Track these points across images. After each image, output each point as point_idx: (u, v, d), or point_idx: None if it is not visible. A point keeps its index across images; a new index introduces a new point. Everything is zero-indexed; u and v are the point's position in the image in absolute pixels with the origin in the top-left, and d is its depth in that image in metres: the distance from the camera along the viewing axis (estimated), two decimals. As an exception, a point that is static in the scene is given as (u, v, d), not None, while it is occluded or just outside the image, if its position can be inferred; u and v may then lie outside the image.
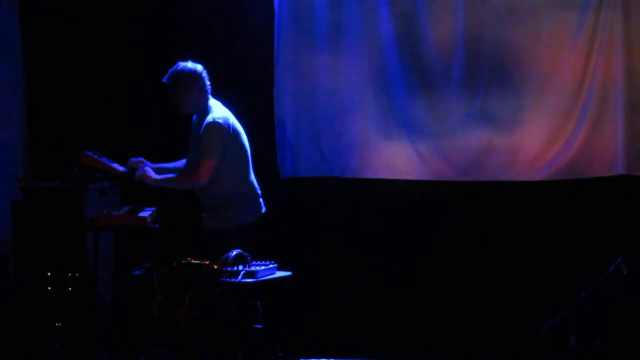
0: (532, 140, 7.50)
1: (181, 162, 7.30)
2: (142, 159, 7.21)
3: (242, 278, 6.39)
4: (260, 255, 6.67)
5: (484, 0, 7.52)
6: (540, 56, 7.44)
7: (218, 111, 7.08)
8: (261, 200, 7.19)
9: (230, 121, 7.06)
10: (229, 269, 6.43)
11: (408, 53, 7.67)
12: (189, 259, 6.57)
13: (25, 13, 8.11)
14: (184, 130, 7.28)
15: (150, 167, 7.20)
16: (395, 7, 7.68)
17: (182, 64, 7.11)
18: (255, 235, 7.03)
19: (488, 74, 7.54)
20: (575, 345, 6.27)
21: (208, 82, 7.14)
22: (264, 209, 7.18)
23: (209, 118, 7.03)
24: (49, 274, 7.23)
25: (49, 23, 8.14)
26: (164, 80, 7.11)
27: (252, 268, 6.49)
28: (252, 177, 7.18)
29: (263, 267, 6.55)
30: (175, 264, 6.57)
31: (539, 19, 7.43)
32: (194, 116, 7.20)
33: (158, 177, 7.07)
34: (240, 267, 6.46)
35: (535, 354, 7.08)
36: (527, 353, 7.26)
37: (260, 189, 7.20)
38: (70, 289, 7.23)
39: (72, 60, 8.13)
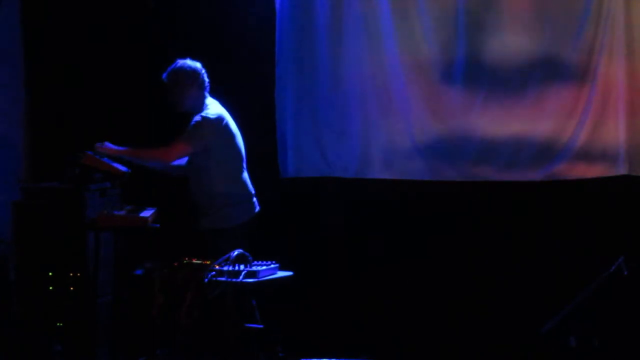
0: (532, 141, 7.50)
1: (182, 161, 7.31)
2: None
3: (244, 278, 6.40)
4: (262, 255, 6.68)
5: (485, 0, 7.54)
6: (541, 56, 7.44)
7: (212, 109, 7.11)
8: (255, 199, 7.20)
9: (225, 120, 7.09)
10: (230, 268, 6.43)
11: (409, 52, 7.68)
12: (189, 259, 6.58)
13: (26, 13, 8.10)
14: (184, 130, 7.27)
15: None
16: (397, 4, 7.67)
17: (181, 62, 7.15)
18: (252, 234, 7.04)
19: (489, 74, 7.54)
20: (575, 345, 6.26)
21: (207, 79, 7.16)
22: (257, 208, 7.19)
23: (203, 114, 7.06)
24: (49, 274, 7.22)
25: (50, 23, 8.13)
26: (163, 78, 7.13)
27: (254, 268, 6.49)
28: (246, 176, 7.20)
29: (264, 267, 6.55)
30: (175, 264, 6.57)
31: (541, 19, 7.43)
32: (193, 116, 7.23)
33: (118, 148, 7.07)
34: (242, 267, 6.46)
35: (535, 354, 7.09)
36: (527, 353, 7.26)
37: (259, 189, 7.22)
38: (70, 289, 7.22)
39: (72, 60, 8.13)
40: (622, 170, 7.31)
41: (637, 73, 7.27)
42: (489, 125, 7.56)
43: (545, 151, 7.48)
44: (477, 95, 7.57)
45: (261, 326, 6.88)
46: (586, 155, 7.40)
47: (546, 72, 7.45)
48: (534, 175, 7.51)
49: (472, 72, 7.57)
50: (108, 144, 7.09)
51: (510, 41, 7.49)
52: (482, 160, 7.60)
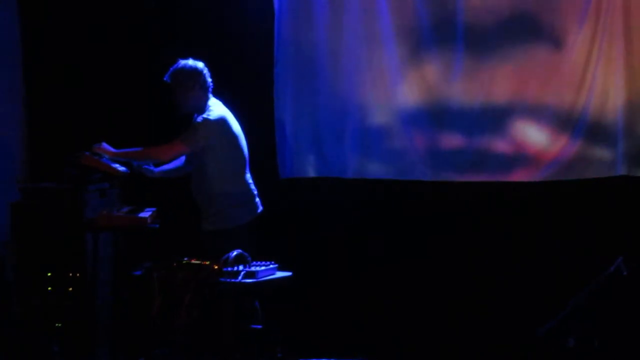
0: (532, 141, 7.49)
1: (180, 161, 7.30)
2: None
3: (242, 278, 6.41)
4: (260, 255, 6.68)
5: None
6: (540, 56, 7.43)
7: (215, 110, 7.09)
8: (257, 200, 7.20)
9: (227, 122, 7.08)
10: (229, 269, 6.44)
11: (408, 51, 7.66)
12: (188, 259, 6.58)
13: (25, 13, 8.11)
14: (184, 131, 7.28)
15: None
16: (395, 2, 7.66)
17: (182, 62, 7.13)
18: (253, 235, 7.04)
19: (488, 73, 7.52)
20: (574, 346, 6.25)
21: (209, 80, 7.15)
22: (260, 209, 7.19)
23: (204, 115, 7.05)
24: (48, 274, 7.23)
25: (48, 23, 8.14)
26: (165, 79, 7.12)
27: (253, 268, 6.50)
28: (248, 177, 7.19)
29: (263, 268, 6.56)
30: (175, 264, 6.57)
31: (539, 18, 7.42)
32: (194, 116, 7.21)
33: (116, 150, 7.10)
34: (241, 268, 6.47)
35: (534, 355, 7.07)
36: (526, 354, 7.25)
37: (258, 189, 7.22)
38: (69, 289, 7.22)
39: (71, 61, 8.14)
40: (620, 170, 7.28)
41: (636, 73, 7.24)
42: (487, 126, 7.54)
43: (545, 152, 7.46)
44: (476, 96, 7.54)
45: (260, 327, 6.88)
46: (585, 156, 7.37)
47: (545, 72, 7.42)
48: (534, 176, 7.48)
49: (471, 72, 7.54)
50: (105, 145, 7.10)
51: (509, 42, 7.47)
52: (481, 160, 7.58)
